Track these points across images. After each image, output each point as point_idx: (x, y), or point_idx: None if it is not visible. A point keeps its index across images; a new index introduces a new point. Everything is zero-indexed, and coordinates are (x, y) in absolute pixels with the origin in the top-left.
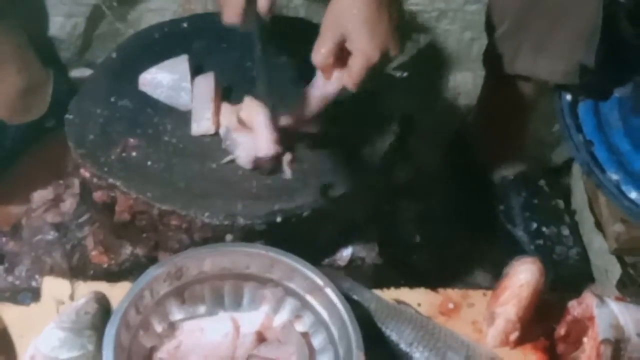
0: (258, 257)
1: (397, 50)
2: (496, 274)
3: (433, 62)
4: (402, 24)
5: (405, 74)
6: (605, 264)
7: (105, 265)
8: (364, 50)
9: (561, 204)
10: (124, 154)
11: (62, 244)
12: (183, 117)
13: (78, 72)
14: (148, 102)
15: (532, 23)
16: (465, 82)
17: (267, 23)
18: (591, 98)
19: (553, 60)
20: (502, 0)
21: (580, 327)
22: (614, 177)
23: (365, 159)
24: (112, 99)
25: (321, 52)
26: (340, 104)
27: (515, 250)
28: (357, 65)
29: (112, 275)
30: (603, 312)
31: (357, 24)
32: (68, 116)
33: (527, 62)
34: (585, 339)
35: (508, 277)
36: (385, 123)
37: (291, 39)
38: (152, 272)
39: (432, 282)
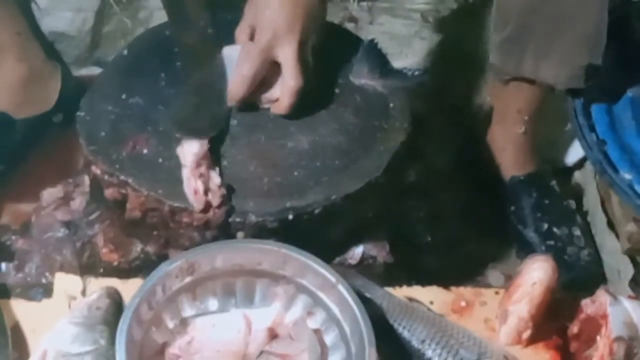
0: (270, 253)
1: None
2: (507, 275)
3: (445, 61)
4: None
5: (417, 72)
6: (618, 264)
7: (116, 263)
8: None
9: (573, 204)
10: (135, 151)
11: (72, 242)
12: None
13: (86, 71)
14: (159, 99)
15: (536, 26)
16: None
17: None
18: (604, 98)
19: (557, 64)
20: (507, 3)
21: (594, 325)
22: (627, 176)
23: (377, 157)
24: (124, 96)
25: None
26: (351, 101)
27: (526, 250)
28: None
29: (122, 273)
30: (616, 310)
31: None
32: (79, 113)
33: (531, 65)
34: (598, 337)
35: (520, 275)
36: (397, 122)
37: None
38: (164, 267)
39: (443, 281)
